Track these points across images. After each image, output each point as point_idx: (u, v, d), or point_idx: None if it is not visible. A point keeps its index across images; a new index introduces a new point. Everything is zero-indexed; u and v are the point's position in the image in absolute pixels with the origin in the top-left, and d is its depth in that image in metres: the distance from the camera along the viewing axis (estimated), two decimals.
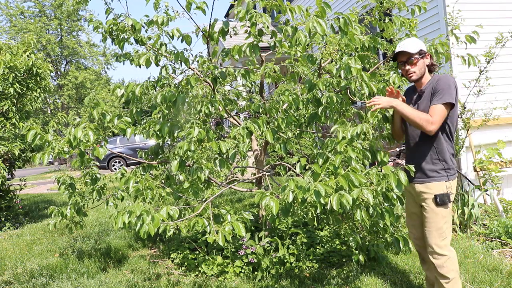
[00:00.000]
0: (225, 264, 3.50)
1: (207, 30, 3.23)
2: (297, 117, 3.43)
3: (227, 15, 19.28)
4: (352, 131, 2.38)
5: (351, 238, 3.23)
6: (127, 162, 15.14)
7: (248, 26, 2.75)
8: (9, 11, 22.45)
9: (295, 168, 3.12)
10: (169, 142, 3.92)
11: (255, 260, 3.44)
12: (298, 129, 3.65)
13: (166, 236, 2.66)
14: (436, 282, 2.44)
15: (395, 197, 2.29)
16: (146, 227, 2.37)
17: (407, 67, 2.42)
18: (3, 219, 6.14)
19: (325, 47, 3.20)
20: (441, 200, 2.31)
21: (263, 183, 3.87)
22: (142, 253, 4.32)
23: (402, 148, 6.59)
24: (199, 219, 2.68)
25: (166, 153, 3.95)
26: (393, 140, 2.70)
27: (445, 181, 2.34)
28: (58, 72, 24.97)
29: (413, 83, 2.61)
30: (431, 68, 2.47)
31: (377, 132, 2.62)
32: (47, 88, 6.43)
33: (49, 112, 21.97)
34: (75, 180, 3.44)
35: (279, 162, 4.18)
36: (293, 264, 3.46)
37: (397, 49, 2.44)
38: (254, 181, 3.96)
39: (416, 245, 2.63)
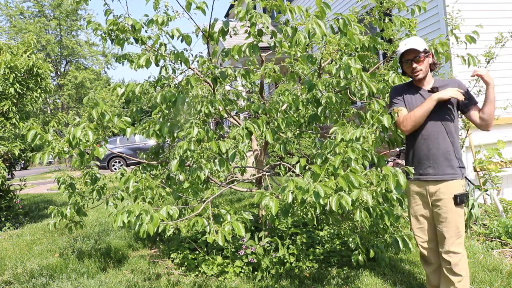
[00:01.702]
0: (225, 264, 3.50)
1: (207, 30, 3.23)
2: (297, 118, 3.43)
3: (227, 15, 19.28)
4: (351, 135, 2.37)
5: (350, 239, 3.23)
6: (127, 162, 15.13)
7: (248, 26, 2.75)
8: (9, 11, 22.46)
9: (295, 169, 3.12)
10: (169, 142, 3.93)
11: (255, 260, 3.44)
12: (298, 129, 3.65)
13: (166, 236, 2.66)
14: (444, 281, 2.41)
15: (394, 198, 2.29)
16: (146, 227, 2.37)
17: (414, 65, 2.40)
18: (3, 219, 6.14)
19: (325, 47, 3.20)
20: (460, 200, 2.33)
21: (263, 183, 3.87)
22: (142, 253, 4.32)
23: (402, 148, 6.58)
24: (198, 219, 2.68)
25: (166, 153, 3.95)
26: (393, 145, 2.70)
27: (460, 179, 2.37)
28: (58, 72, 24.98)
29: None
30: (432, 67, 2.48)
31: (375, 135, 2.60)
32: (48, 89, 6.43)
33: (49, 112, 21.97)
34: (75, 180, 3.44)
35: (279, 162, 4.18)
36: (293, 264, 3.46)
37: (405, 47, 2.39)
38: (254, 181, 3.96)
39: (422, 248, 2.56)
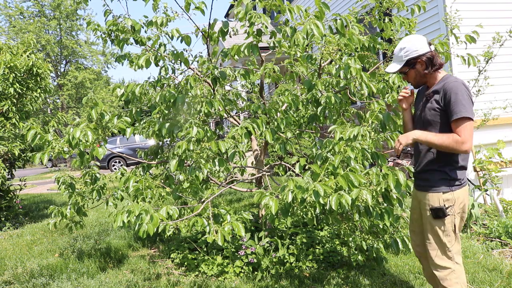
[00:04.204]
0: (225, 264, 3.50)
1: (207, 30, 3.23)
2: (297, 118, 3.43)
3: (227, 15, 19.31)
4: (350, 133, 2.36)
5: (350, 239, 3.23)
6: (127, 162, 15.15)
7: (248, 27, 2.76)
8: (8, 12, 22.44)
9: (294, 168, 3.12)
10: (168, 142, 3.93)
11: (255, 260, 3.44)
12: (297, 129, 3.65)
13: (166, 236, 2.66)
14: None
15: (394, 197, 2.29)
16: (145, 227, 2.38)
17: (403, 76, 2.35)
18: (3, 219, 6.14)
19: (324, 47, 3.20)
20: (435, 214, 2.18)
21: (263, 183, 3.87)
22: (142, 253, 4.32)
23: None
24: (198, 219, 2.68)
25: (165, 153, 3.96)
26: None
27: (442, 192, 2.16)
28: (58, 72, 24.99)
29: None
30: (434, 69, 2.24)
31: (375, 134, 2.60)
32: (47, 88, 6.44)
33: (49, 112, 21.99)
34: (75, 180, 3.44)
35: (278, 162, 4.19)
36: (293, 264, 3.46)
37: (387, 68, 2.33)
38: (254, 181, 3.97)
39: (416, 252, 2.53)
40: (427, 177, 2.24)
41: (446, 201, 2.17)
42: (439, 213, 2.17)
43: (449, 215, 2.17)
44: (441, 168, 2.19)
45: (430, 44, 2.25)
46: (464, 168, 2.21)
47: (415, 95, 2.42)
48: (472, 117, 2.06)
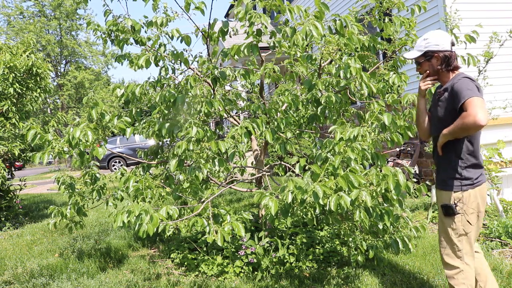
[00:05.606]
0: (225, 264, 3.50)
1: (207, 30, 3.23)
2: (297, 118, 3.43)
3: (227, 15, 19.32)
4: (350, 133, 2.36)
5: (350, 239, 3.23)
6: (127, 162, 15.16)
7: (248, 26, 2.76)
8: (7, 11, 22.42)
9: (294, 169, 3.12)
10: (168, 142, 3.93)
11: (255, 260, 3.44)
12: (297, 129, 3.65)
13: (166, 236, 2.66)
14: None
15: (394, 197, 2.29)
16: (145, 227, 2.37)
17: (418, 67, 2.36)
18: (3, 219, 6.14)
19: (324, 47, 3.21)
20: (445, 211, 2.19)
21: (263, 183, 3.87)
22: (142, 253, 4.32)
23: (402, 148, 6.59)
24: (198, 219, 2.67)
25: (165, 153, 3.96)
26: (393, 144, 2.68)
27: (454, 191, 2.17)
28: (58, 72, 24.99)
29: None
30: (450, 69, 2.24)
31: (375, 134, 2.59)
32: (47, 88, 6.44)
33: (49, 112, 21.99)
34: (75, 180, 3.44)
35: (278, 162, 4.19)
36: (293, 264, 3.46)
37: (406, 54, 2.39)
38: (254, 181, 3.97)
39: None
40: (442, 176, 2.27)
41: (457, 199, 2.18)
42: (448, 211, 2.19)
43: (459, 213, 2.17)
44: (452, 166, 2.20)
45: (453, 44, 2.26)
46: (477, 166, 2.19)
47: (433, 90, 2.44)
48: (479, 96, 2.01)
